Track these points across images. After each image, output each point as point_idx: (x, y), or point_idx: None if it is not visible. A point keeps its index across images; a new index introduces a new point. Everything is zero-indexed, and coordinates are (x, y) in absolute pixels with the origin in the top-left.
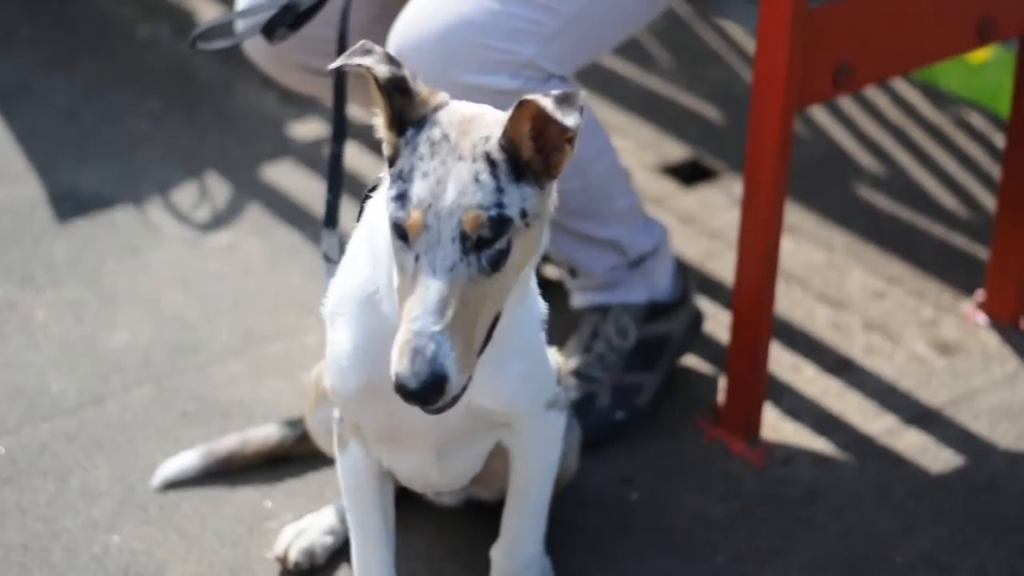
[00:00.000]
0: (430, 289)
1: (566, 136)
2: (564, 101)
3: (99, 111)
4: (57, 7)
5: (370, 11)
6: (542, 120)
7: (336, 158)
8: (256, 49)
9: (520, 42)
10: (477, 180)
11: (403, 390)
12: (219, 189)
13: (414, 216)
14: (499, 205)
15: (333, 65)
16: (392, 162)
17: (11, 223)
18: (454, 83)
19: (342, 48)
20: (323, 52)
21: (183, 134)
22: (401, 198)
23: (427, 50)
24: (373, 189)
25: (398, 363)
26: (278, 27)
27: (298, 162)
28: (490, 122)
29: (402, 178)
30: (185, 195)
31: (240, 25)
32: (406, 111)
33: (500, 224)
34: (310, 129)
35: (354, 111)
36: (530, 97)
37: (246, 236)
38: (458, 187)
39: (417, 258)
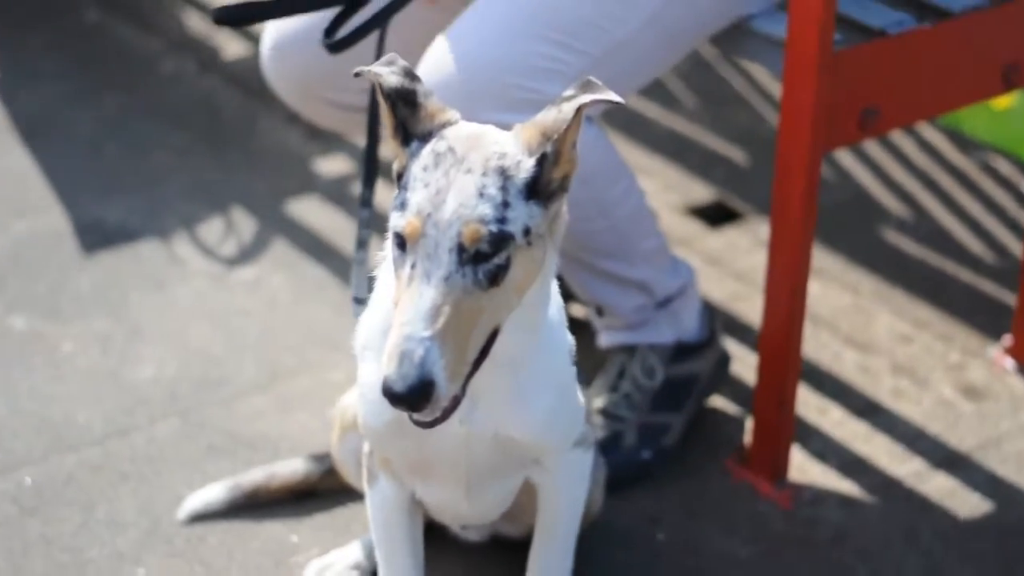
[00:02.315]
0: (423, 296)
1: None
2: (589, 86)
3: (124, 145)
4: (82, 41)
5: (401, 47)
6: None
7: (366, 221)
8: (284, 83)
9: (546, 81)
10: (482, 194)
11: (389, 393)
12: (244, 224)
13: (412, 224)
14: (501, 220)
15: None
16: (400, 177)
17: (37, 255)
18: (479, 121)
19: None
20: (352, 88)
21: (208, 169)
22: (401, 207)
23: (453, 88)
24: None
25: (386, 366)
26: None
27: (324, 198)
28: (500, 139)
29: (404, 188)
30: (210, 229)
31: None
32: (410, 123)
33: (500, 240)
34: (336, 165)
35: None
36: (575, 101)
37: (271, 271)
38: (459, 199)
39: (413, 266)
